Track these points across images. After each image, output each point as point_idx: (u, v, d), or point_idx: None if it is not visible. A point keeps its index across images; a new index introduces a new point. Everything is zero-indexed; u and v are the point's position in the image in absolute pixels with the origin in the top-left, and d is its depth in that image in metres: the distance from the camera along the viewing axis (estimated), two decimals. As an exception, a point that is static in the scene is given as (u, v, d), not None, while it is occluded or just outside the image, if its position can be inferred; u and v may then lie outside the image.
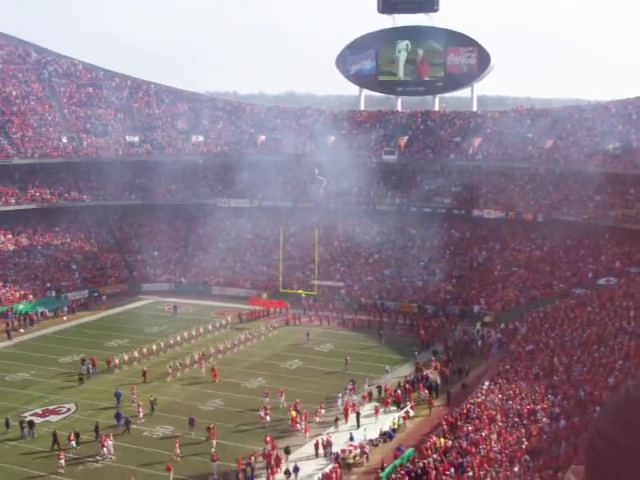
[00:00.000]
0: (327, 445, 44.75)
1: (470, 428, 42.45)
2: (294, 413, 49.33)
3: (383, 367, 59.89)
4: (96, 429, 47.07)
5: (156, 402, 51.89)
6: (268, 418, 49.26)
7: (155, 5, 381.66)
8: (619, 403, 3.03)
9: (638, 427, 2.93)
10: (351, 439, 45.94)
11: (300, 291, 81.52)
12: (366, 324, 73.85)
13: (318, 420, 49.25)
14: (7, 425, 48.46)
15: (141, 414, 50.07)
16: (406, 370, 60.22)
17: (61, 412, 51.95)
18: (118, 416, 49.76)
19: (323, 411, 50.28)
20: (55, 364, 62.17)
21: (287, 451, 44.05)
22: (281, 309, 79.00)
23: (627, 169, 79.02)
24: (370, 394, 52.92)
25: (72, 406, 52.88)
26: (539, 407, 44.00)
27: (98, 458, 44.37)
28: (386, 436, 47.27)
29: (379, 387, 54.56)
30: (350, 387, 54.36)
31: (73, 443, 45.24)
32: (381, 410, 51.26)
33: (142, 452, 45.03)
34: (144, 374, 57.93)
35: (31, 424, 48.10)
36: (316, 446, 44.64)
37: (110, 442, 44.97)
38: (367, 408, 51.46)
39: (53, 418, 50.76)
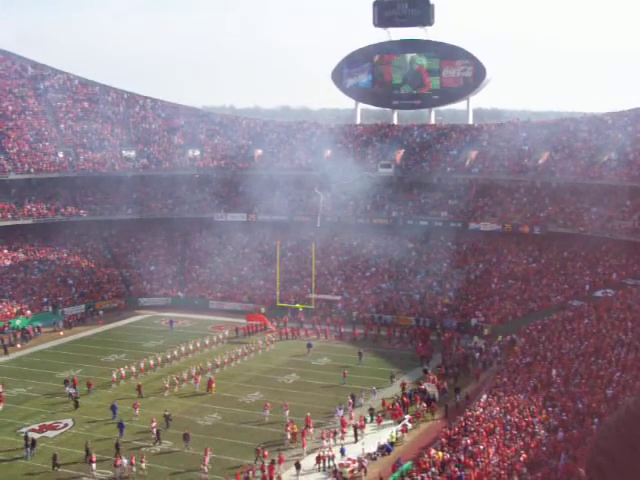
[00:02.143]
0: (327, 459, 44.61)
1: (468, 441, 42.33)
2: (295, 427, 49.03)
3: (381, 380, 59.80)
4: (116, 447, 46.26)
5: (171, 417, 51.29)
6: (289, 435, 48.68)
7: (151, 20, 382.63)
8: (619, 420, 3.01)
9: (638, 444, 2.91)
10: (342, 452, 45.82)
11: (297, 305, 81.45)
12: (370, 337, 73.96)
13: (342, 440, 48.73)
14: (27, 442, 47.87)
15: (154, 430, 49.45)
16: (397, 388, 58.72)
17: (58, 427, 51.74)
18: (120, 426, 49.63)
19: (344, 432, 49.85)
20: (52, 379, 61.89)
21: (298, 466, 43.89)
22: (264, 325, 78.14)
23: (623, 181, 79.12)
24: (365, 419, 51.99)
25: (69, 421, 52.72)
26: (537, 419, 43.90)
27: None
28: (384, 450, 47.10)
29: (371, 410, 53.20)
30: (350, 401, 54.04)
31: (94, 465, 44.42)
32: (384, 422, 51.18)
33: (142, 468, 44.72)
34: (139, 389, 57.79)
35: (33, 443, 47.55)
36: (318, 460, 44.50)
37: (143, 464, 44.09)
38: (367, 428, 51.03)
39: (50, 434, 50.53)
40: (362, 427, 49.85)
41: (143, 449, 47.27)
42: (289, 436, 48.54)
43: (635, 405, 3.02)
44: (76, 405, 55.23)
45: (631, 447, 2.92)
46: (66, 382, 59.21)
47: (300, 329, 76.41)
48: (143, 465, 43.83)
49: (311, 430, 49.47)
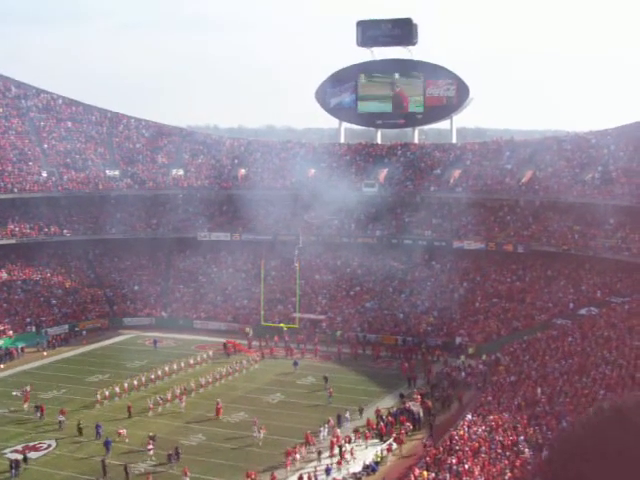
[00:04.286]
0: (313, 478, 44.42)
1: (453, 460, 42.27)
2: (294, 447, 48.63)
3: (365, 400, 59.59)
4: (125, 469, 45.99)
5: (156, 438, 50.75)
6: (298, 456, 48.06)
7: (135, 40, 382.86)
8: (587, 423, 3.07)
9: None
10: (327, 472, 45.62)
11: (282, 325, 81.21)
12: (352, 357, 73.81)
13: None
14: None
15: (151, 452, 49.34)
16: (374, 412, 57.08)
17: (41, 449, 51.35)
18: (107, 444, 49.50)
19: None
20: (35, 400, 61.32)
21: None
22: (236, 348, 77.44)
23: (606, 199, 79.39)
24: (350, 440, 51.40)
25: (52, 442, 52.36)
26: (522, 438, 43.90)
27: None
28: (369, 469, 46.93)
29: (357, 430, 52.43)
30: (330, 422, 53.47)
31: None
32: (371, 439, 51.05)
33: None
34: (129, 409, 57.36)
35: (17, 464, 47.15)
36: (300, 480, 44.23)
37: None
38: (356, 443, 50.82)
39: (33, 455, 50.13)
40: (339, 463, 47.93)
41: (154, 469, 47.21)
42: (298, 457, 48.18)
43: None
44: (80, 431, 53.93)
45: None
46: (37, 407, 58.32)
47: (286, 348, 76.09)
48: None
49: (313, 448, 49.46)
